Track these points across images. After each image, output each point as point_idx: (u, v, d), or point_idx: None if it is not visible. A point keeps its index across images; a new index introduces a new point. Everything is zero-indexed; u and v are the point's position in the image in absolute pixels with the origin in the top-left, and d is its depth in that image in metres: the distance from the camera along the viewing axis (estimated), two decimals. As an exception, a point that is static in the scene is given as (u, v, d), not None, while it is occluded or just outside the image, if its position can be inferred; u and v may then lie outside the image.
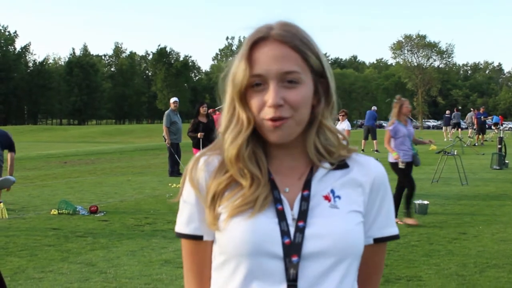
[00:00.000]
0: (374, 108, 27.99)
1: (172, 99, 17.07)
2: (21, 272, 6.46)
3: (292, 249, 1.36)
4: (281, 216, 1.40)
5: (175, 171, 16.17)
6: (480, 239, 8.13)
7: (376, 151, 24.57)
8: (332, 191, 1.45)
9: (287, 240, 1.37)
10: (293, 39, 1.41)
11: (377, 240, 1.51)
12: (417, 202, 10.18)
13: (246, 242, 1.37)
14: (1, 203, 10.00)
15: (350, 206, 1.44)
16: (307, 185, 1.45)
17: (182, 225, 1.51)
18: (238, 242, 1.38)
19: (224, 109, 1.48)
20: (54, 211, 10.15)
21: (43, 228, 8.86)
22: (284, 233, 1.37)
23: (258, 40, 1.42)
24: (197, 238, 1.49)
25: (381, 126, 51.40)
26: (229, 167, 1.45)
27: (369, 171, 1.50)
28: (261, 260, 1.37)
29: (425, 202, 10.28)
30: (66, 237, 8.24)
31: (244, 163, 1.43)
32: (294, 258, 1.36)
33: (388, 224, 1.52)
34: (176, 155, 16.19)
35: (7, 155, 9.19)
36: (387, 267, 6.50)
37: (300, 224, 1.39)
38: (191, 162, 1.51)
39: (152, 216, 9.84)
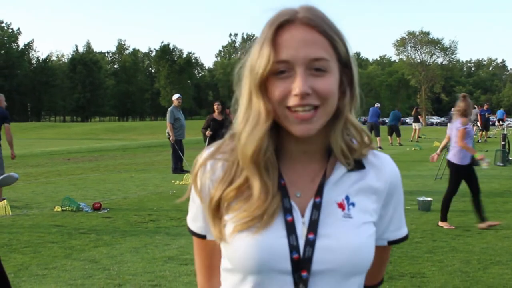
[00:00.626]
0: (377, 105, 28.10)
1: (175, 96, 17.04)
2: (24, 269, 6.47)
3: (302, 265, 1.29)
4: (290, 229, 1.31)
5: (178, 168, 16.18)
6: (483, 235, 8.12)
7: (380, 147, 24.60)
8: (347, 198, 1.36)
9: (296, 255, 1.29)
10: (321, 23, 1.30)
11: (391, 242, 1.49)
12: (420, 199, 10.17)
13: (252, 259, 1.30)
14: (5, 200, 10.03)
15: (363, 216, 1.36)
16: (320, 191, 1.35)
17: (189, 221, 1.49)
18: (244, 258, 1.31)
19: (241, 105, 1.36)
20: (58, 208, 10.16)
21: (47, 225, 8.87)
22: (293, 247, 1.29)
23: (283, 23, 1.30)
24: (201, 236, 1.46)
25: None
26: (244, 166, 1.34)
27: (385, 175, 1.42)
28: (268, 275, 1.30)
29: (429, 199, 10.27)
30: (70, 234, 8.25)
31: (259, 167, 1.33)
32: (304, 274, 1.29)
33: (401, 226, 1.49)
34: (179, 152, 16.21)
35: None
36: (390, 264, 6.48)
37: (310, 236, 1.30)
38: (198, 164, 1.42)
39: (155, 213, 9.84)
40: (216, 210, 1.36)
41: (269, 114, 1.30)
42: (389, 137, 29.11)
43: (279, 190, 1.34)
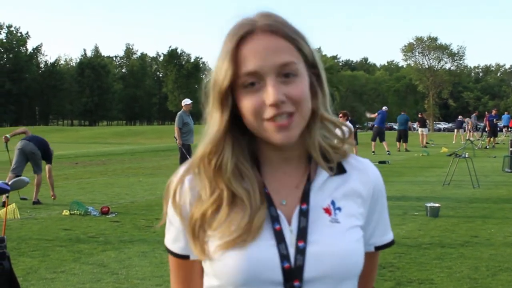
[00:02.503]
0: (385, 108, 27.90)
1: (187, 101, 17.03)
2: (33, 272, 6.49)
3: (293, 274, 1.25)
4: (279, 238, 1.27)
5: None
6: (492, 242, 8.09)
7: (388, 152, 24.61)
8: (333, 203, 1.34)
9: (286, 265, 1.25)
10: (282, 28, 1.27)
11: (378, 248, 1.46)
12: (429, 204, 10.13)
13: (242, 272, 1.24)
14: (13, 204, 10.08)
15: (350, 220, 1.33)
16: (305, 197, 1.32)
17: (168, 242, 1.41)
18: (233, 272, 1.25)
19: (207, 120, 1.35)
20: (66, 212, 10.20)
21: (55, 229, 8.91)
22: (284, 257, 1.25)
23: (245, 35, 1.26)
24: (183, 257, 1.39)
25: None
26: (206, 177, 1.31)
27: (368, 179, 1.41)
28: (259, 287, 1.25)
29: (437, 205, 10.23)
30: (78, 237, 8.28)
31: (229, 177, 1.29)
32: (296, 283, 1.25)
33: (387, 231, 1.47)
34: (188, 156, 16.21)
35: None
36: (398, 270, 6.48)
37: (301, 244, 1.27)
38: (175, 180, 1.38)
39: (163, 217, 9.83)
40: (198, 227, 1.31)
41: (225, 122, 1.29)
42: (397, 142, 28.98)
43: (264, 199, 1.30)
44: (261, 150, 1.35)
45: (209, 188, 1.31)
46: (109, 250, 7.48)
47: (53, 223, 9.37)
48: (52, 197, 11.96)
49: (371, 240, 1.44)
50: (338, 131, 1.39)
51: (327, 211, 1.32)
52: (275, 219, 1.29)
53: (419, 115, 35.62)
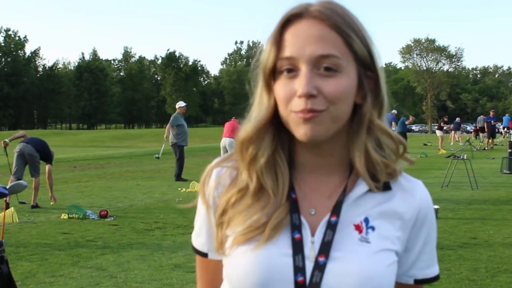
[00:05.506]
0: (394, 112, 27.72)
1: (182, 104, 17.16)
2: (32, 276, 6.48)
3: None
4: (297, 248, 1.16)
5: (179, 174, 16.28)
6: (491, 243, 8.09)
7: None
8: (366, 220, 1.21)
9: (300, 278, 1.14)
10: (335, 17, 1.16)
11: (418, 281, 1.30)
12: (427, 206, 10.13)
13: (250, 277, 1.16)
14: (12, 207, 10.06)
15: (383, 243, 1.20)
16: (336, 209, 1.20)
17: (193, 237, 1.36)
18: (241, 275, 1.17)
19: (253, 104, 1.25)
20: (64, 216, 10.18)
21: (54, 233, 8.89)
22: (298, 269, 1.14)
23: (292, 18, 1.17)
24: (203, 255, 1.33)
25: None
26: (240, 163, 1.24)
27: (414, 201, 1.26)
28: None
29: (435, 206, 10.22)
30: (77, 241, 8.26)
31: (260, 166, 1.21)
32: None
33: (432, 264, 1.31)
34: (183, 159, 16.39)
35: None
36: (397, 272, 6.48)
37: (321, 259, 1.15)
38: (204, 173, 1.32)
39: (162, 221, 9.85)
40: (222, 218, 1.24)
41: (270, 109, 1.20)
42: None
43: (288, 202, 1.20)
44: (297, 151, 1.25)
45: (241, 175, 1.24)
46: (108, 254, 7.46)
47: (52, 227, 9.36)
48: (52, 199, 11.90)
49: (411, 271, 1.28)
50: (390, 144, 1.24)
51: (357, 228, 1.20)
52: (296, 227, 1.18)
53: (442, 119, 36.66)
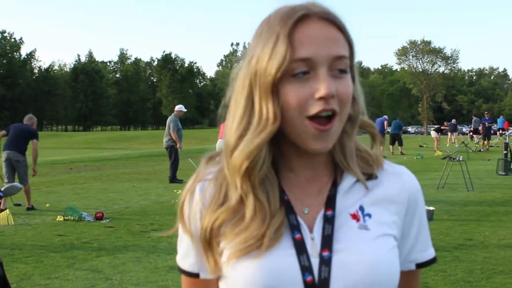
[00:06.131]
0: (385, 117, 29.95)
1: (181, 107, 16.99)
2: (27, 278, 6.46)
3: None
4: (300, 248, 1.14)
5: (173, 177, 16.25)
6: (486, 245, 8.10)
7: (384, 157, 24.69)
8: (361, 208, 1.20)
9: (309, 278, 1.11)
10: (337, 18, 1.15)
11: (419, 265, 1.29)
12: (423, 208, 10.14)
13: (258, 284, 1.11)
14: (7, 210, 10.05)
15: (382, 228, 1.19)
16: (330, 202, 1.19)
17: (179, 259, 1.28)
18: (247, 284, 1.12)
19: (236, 115, 1.17)
20: (60, 218, 10.16)
21: (49, 235, 8.87)
22: (305, 269, 1.12)
23: (300, 18, 1.12)
24: (194, 275, 1.25)
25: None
26: (235, 181, 1.16)
27: (403, 185, 1.26)
28: None
29: (431, 208, 10.24)
30: (72, 243, 8.25)
31: (254, 183, 1.16)
32: None
33: (428, 245, 1.31)
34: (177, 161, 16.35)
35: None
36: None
37: (325, 254, 1.13)
38: (185, 191, 1.26)
39: (157, 222, 9.84)
40: (210, 239, 1.18)
41: (277, 120, 1.12)
42: (390, 146, 29.40)
43: (282, 206, 1.17)
44: (285, 154, 1.21)
45: (222, 194, 1.19)
46: (103, 256, 7.45)
47: (47, 229, 9.34)
48: (34, 171, 11.92)
49: (411, 256, 1.28)
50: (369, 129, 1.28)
51: (354, 217, 1.18)
52: (295, 228, 1.16)
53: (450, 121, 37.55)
